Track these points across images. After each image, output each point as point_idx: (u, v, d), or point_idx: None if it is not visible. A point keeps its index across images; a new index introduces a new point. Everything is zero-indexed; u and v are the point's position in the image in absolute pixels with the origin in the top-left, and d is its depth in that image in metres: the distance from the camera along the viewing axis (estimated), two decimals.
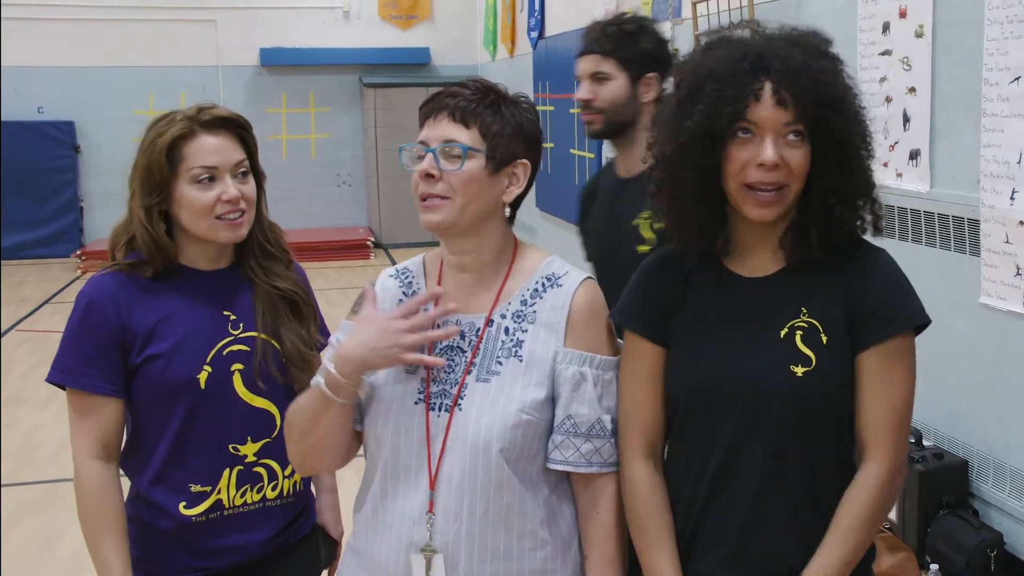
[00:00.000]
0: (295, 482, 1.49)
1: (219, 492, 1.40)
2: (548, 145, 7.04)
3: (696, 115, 1.14)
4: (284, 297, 1.48)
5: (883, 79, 3.08)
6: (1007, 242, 2.61)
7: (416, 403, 1.20)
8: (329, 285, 6.80)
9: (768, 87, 1.12)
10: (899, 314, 1.16)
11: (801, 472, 1.17)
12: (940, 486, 2.75)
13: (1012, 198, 2.57)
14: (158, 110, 1.48)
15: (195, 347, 1.39)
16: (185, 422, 1.39)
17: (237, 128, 1.42)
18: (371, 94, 8.63)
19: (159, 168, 1.37)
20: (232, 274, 1.45)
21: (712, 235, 1.20)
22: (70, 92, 8.43)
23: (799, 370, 1.15)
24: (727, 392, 1.18)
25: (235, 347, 1.42)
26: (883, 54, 3.09)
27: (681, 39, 4.64)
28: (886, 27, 3.08)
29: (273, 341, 1.45)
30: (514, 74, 8.06)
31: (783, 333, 1.17)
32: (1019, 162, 2.54)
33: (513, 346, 1.21)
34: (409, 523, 1.19)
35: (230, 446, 1.41)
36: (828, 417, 1.17)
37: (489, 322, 1.22)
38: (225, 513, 1.40)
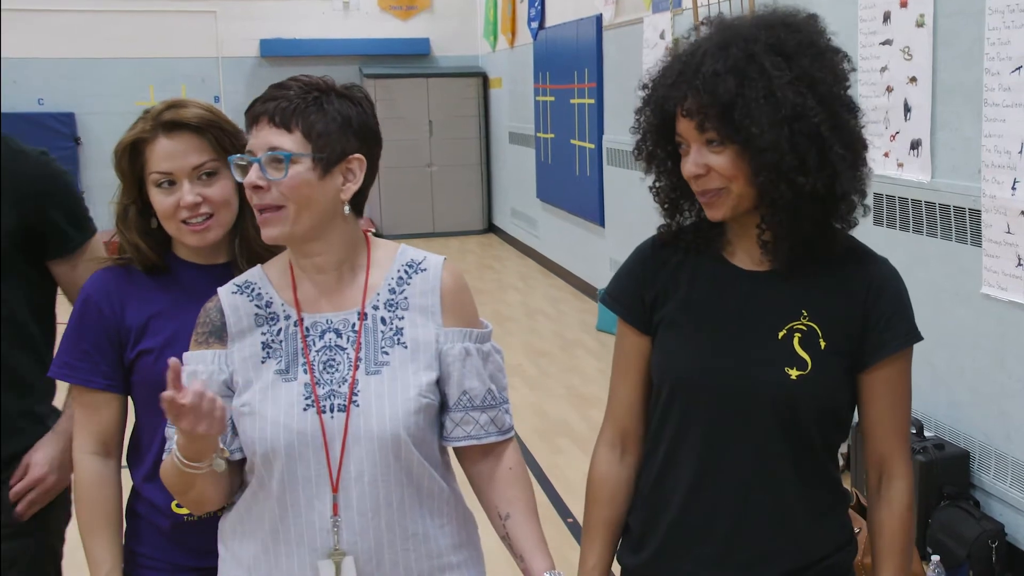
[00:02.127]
0: None
1: None
2: (548, 135, 7.03)
3: (640, 126, 1.20)
4: None
5: (884, 69, 3.07)
6: (1008, 232, 2.60)
7: (305, 409, 1.18)
8: None
9: (678, 100, 1.13)
10: (906, 329, 1.18)
11: (789, 471, 1.17)
12: (941, 477, 2.75)
13: (1013, 188, 2.57)
14: (159, 101, 1.44)
15: (185, 342, 1.36)
16: None
17: (201, 129, 1.35)
18: (371, 85, 8.62)
19: (122, 171, 1.37)
20: (228, 270, 1.43)
21: (701, 223, 1.20)
22: (71, 84, 8.41)
23: (793, 373, 1.14)
24: (715, 385, 1.17)
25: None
26: (884, 44, 3.08)
27: (681, 30, 4.62)
28: (887, 17, 3.07)
29: None
30: (514, 65, 8.03)
31: (781, 334, 1.16)
32: (1020, 152, 2.53)
33: (394, 334, 1.22)
34: (322, 533, 1.17)
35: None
36: (816, 421, 1.16)
37: (364, 315, 1.22)
38: (218, 513, 1.36)
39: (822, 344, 1.15)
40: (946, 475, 2.75)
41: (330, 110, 1.18)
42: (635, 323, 1.24)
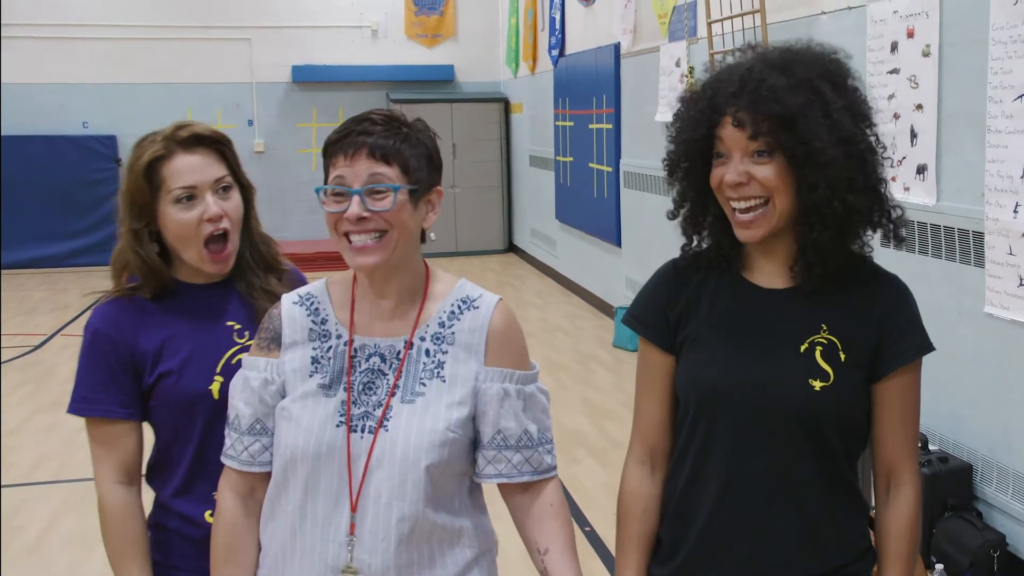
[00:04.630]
0: None
1: None
2: (567, 159, 7.17)
3: (672, 141, 1.25)
4: None
5: (891, 96, 3.14)
6: (1010, 254, 2.64)
7: (338, 426, 1.21)
8: None
9: (730, 110, 1.16)
10: (918, 341, 1.22)
11: (813, 479, 1.19)
12: (945, 489, 2.79)
13: (1015, 211, 2.61)
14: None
15: (204, 360, 1.39)
16: (205, 434, 1.38)
17: (216, 144, 1.39)
18: (397, 109, 8.79)
19: (139, 191, 1.37)
20: (229, 287, 1.45)
21: (722, 242, 1.24)
22: (113, 108, 8.67)
23: (817, 384, 1.17)
24: (741, 398, 1.19)
25: (244, 355, 1.37)
26: (891, 72, 3.15)
27: (696, 58, 4.76)
28: (894, 46, 3.15)
29: None
30: (535, 90, 8.19)
31: (803, 348, 1.18)
32: (1022, 176, 2.58)
33: (435, 367, 1.24)
34: (335, 546, 1.19)
35: None
36: (838, 431, 1.19)
37: (410, 345, 1.24)
38: None
39: (842, 356, 1.18)
40: (950, 487, 2.79)
41: (417, 144, 1.23)
42: (660, 343, 1.26)
